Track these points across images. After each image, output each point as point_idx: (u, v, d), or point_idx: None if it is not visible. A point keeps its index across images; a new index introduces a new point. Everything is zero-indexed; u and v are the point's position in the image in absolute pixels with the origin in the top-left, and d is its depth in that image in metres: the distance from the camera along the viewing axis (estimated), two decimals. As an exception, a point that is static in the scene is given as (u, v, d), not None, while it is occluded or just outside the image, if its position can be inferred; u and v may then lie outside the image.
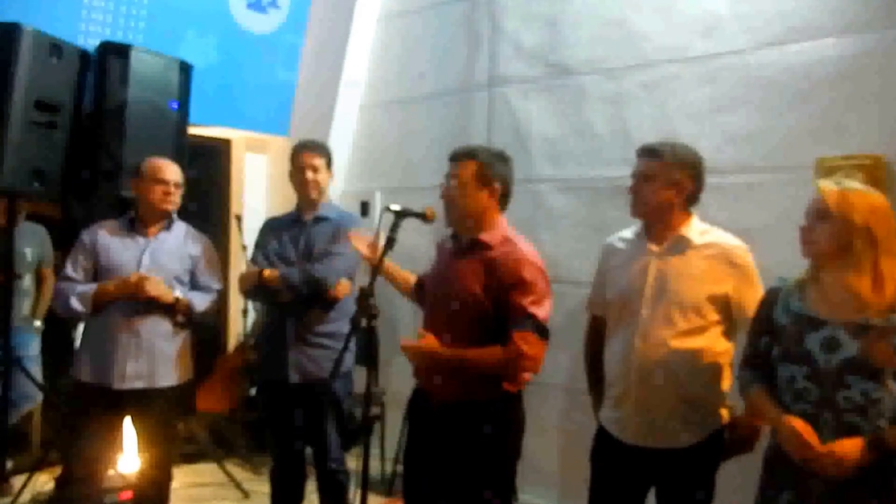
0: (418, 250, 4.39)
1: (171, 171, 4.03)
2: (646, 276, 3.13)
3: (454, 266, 3.31)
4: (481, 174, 3.30)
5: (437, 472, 3.28)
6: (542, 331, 3.14)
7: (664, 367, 3.04)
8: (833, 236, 2.54)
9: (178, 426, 4.44)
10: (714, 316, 3.03)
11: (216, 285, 4.17)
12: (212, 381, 5.97)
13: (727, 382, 3.14)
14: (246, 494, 5.41)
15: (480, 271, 3.20)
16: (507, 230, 3.33)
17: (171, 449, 4.18)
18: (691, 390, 3.06)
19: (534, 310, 3.12)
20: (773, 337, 2.71)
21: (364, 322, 3.01)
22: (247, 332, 6.10)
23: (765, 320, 2.76)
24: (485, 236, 3.27)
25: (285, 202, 4.53)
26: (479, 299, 3.17)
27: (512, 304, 3.12)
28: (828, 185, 2.60)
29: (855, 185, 2.60)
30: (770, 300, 2.77)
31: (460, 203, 3.29)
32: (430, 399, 3.33)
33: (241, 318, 6.17)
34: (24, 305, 5.43)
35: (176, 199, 4.05)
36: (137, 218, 4.04)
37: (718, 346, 3.08)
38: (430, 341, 3.16)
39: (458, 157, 3.33)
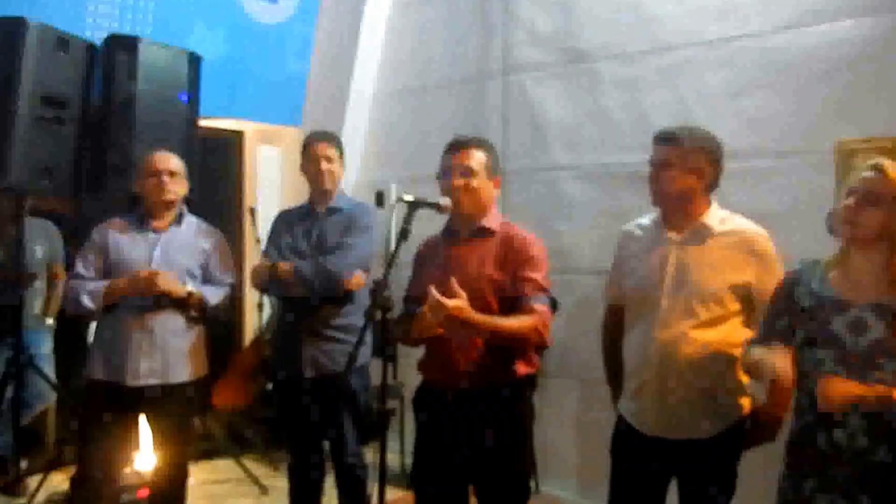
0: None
1: (161, 160, 3.94)
2: (665, 265, 3.07)
3: (462, 256, 3.27)
4: (490, 164, 3.31)
5: (458, 461, 3.22)
6: (554, 304, 3.26)
7: (684, 358, 2.99)
8: (885, 222, 2.46)
9: (194, 423, 4.40)
10: (735, 306, 2.98)
11: (229, 279, 4.11)
12: (228, 376, 5.95)
13: (748, 372, 3.09)
14: (264, 490, 5.39)
15: (495, 254, 3.23)
16: (498, 215, 3.40)
17: (187, 445, 4.14)
18: (712, 380, 3.01)
19: (546, 284, 3.20)
20: (794, 319, 2.66)
21: (378, 315, 2.96)
22: (262, 326, 6.06)
23: (785, 299, 2.70)
24: (487, 222, 3.30)
25: (299, 194, 4.48)
26: (498, 281, 3.17)
27: (527, 280, 3.16)
28: (891, 168, 2.49)
29: None
30: (791, 280, 2.71)
31: (482, 195, 3.28)
32: (444, 391, 3.24)
33: (257, 313, 6.13)
34: (35, 304, 5.39)
35: (173, 187, 3.95)
36: (146, 213, 4.00)
37: (739, 335, 2.99)
38: (464, 303, 2.98)
39: (468, 145, 3.29)
